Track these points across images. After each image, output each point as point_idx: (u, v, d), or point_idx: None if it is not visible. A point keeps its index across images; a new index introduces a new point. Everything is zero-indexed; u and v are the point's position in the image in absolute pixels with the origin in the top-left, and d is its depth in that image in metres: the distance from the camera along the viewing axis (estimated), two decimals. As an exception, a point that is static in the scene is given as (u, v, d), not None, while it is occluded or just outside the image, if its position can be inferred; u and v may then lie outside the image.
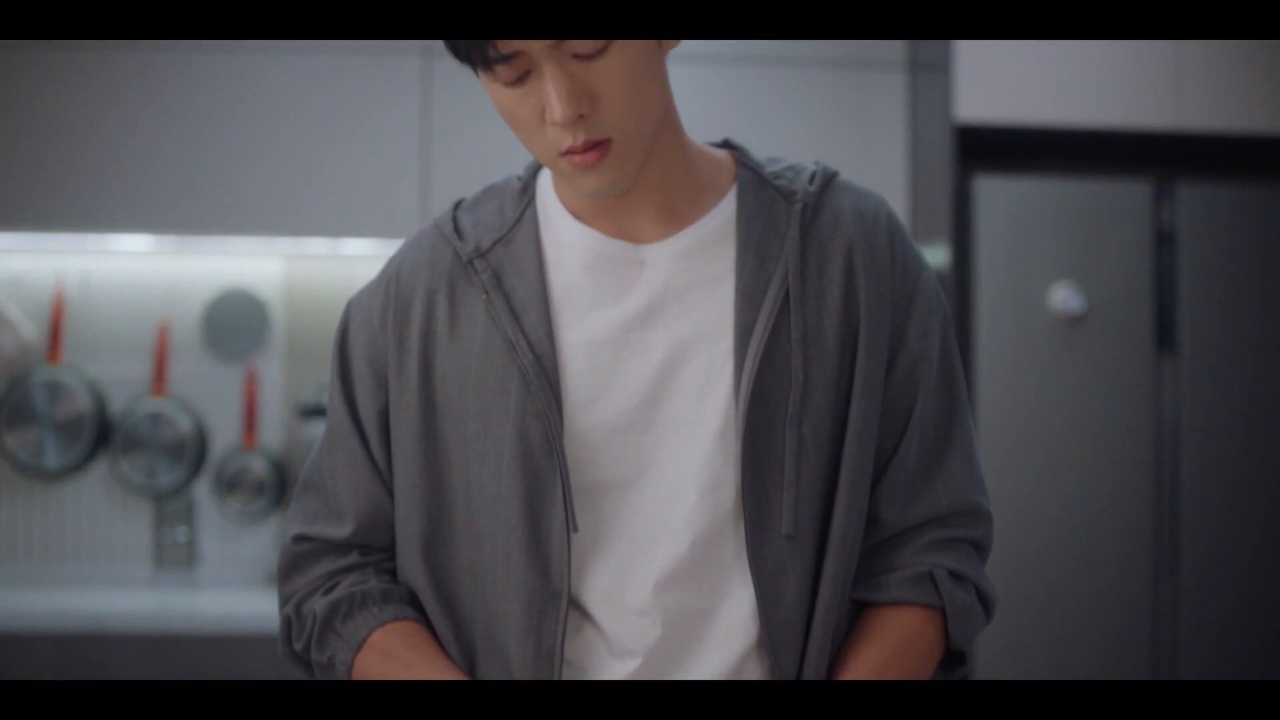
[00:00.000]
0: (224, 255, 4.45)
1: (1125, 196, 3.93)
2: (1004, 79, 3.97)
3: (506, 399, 1.51)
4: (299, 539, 1.66)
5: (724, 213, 1.57)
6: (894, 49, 4.27)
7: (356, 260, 4.45)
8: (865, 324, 1.54)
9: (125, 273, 4.43)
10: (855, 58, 4.27)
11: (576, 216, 1.58)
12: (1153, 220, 3.91)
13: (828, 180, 1.62)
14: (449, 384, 1.55)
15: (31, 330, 4.32)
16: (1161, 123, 4.00)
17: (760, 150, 1.67)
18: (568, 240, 1.57)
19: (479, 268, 1.56)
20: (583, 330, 1.54)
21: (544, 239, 1.58)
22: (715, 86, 4.18)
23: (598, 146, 1.43)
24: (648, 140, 1.49)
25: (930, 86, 4.11)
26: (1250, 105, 4.03)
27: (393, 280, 1.63)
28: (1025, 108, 3.98)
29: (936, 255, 3.98)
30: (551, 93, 1.39)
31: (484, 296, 1.55)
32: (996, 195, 3.90)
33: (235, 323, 4.42)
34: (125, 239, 4.29)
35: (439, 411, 1.56)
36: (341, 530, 1.63)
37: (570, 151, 1.43)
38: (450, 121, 4.13)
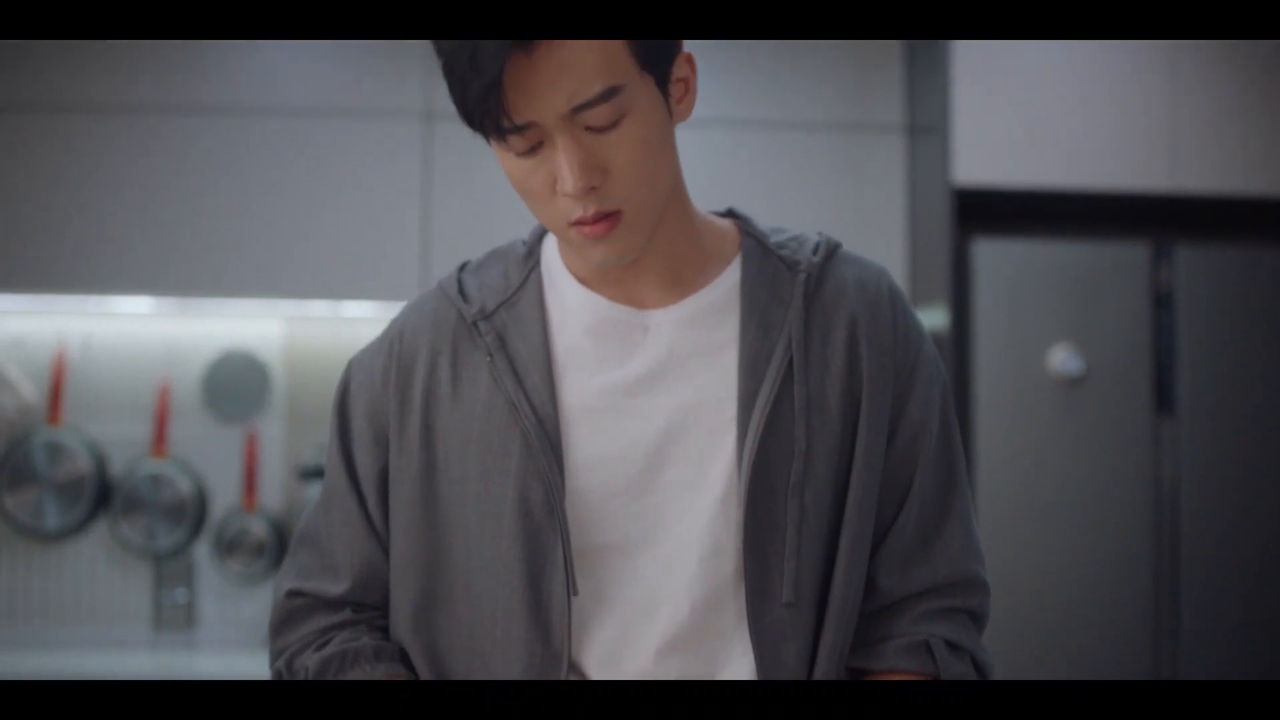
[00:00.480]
0: (224, 317, 4.46)
1: (1123, 259, 3.94)
2: (1002, 142, 3.99)
3: (508, 460, 1.52)
4: (292, 594, 1.65)
5: (728, 281, 1.58)
6: (892, 112, 4.30)
7: (357, 322, 4.46)
8: (867, 394, 1.55)
9: (126, 334, 4.44)
10: (854, 121, 4.29)
11: (581, 281, 1.59)
12: (1151, 282, 3.93)
13: (831, 251, 1.63)
14: (450, 445, 1.55)
15: (32, 391, 4.33)
16: (1158, 185, 4.02)
17: (760, 212, 1.69)
18: (572, 305, 1.58)
19: (483, 329, 1.57)
20: (586, 394, 1.54)
21: (548, 303, 1.59)
22: (716, 150, 4.20)
23: (608, 218, 1.44)
24: (658, 211, 1.50)
25: (928, 149, 4.13)
26: (1246, 167, 4.05)
27: (396, 340, 1.63)
28: (1023, 171, 4.00)
29: (935, 317, 3.99)
30: (564, 164, 1.40)
31: (488, 358, 1.55)
32: (995, 257, 3.91)
33: (236, 384, 4.43)
34: (126, 301, 4.31)
35: (440, 472, 1.56)
36: (336, 587, 1.63)
37: (580, 222, 1.44)
38: (451, 185, 4.15)
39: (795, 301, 1.56)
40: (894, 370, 1.58)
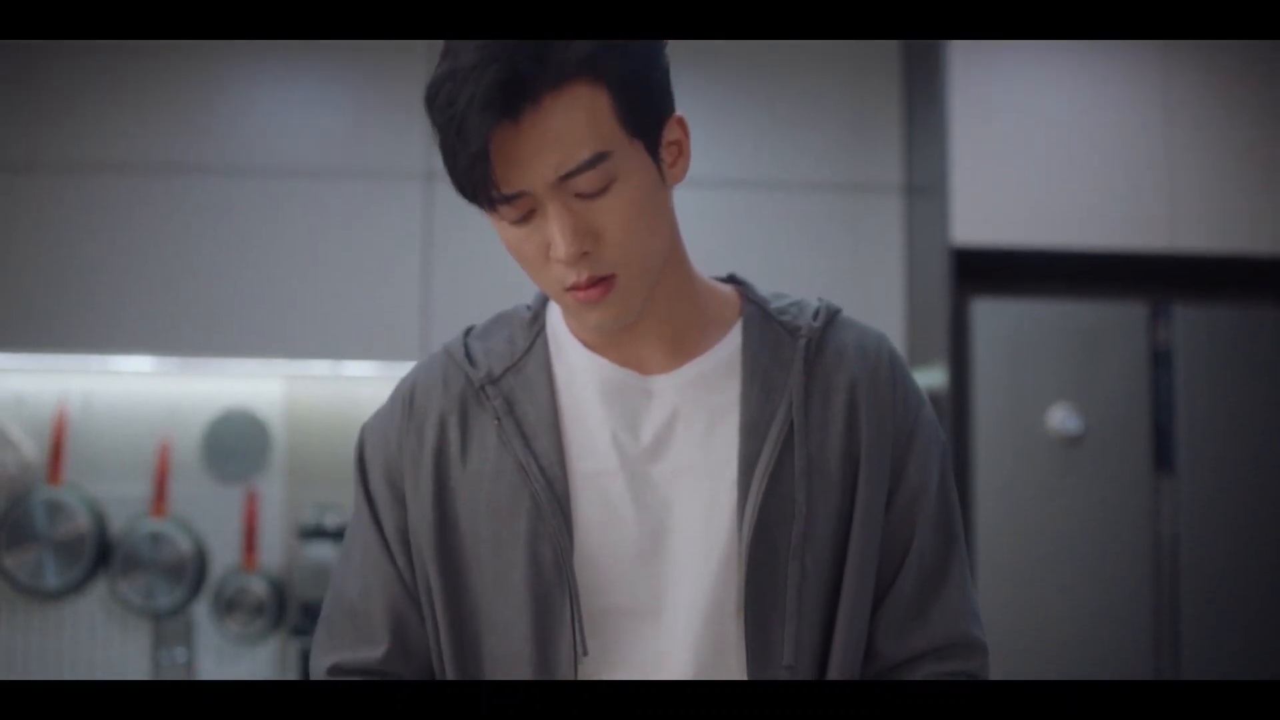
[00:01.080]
0: (225, 376, 4.47)
1: (1121, 318, 3.96)
2: (999, 202, 4.01)
3: (518, 523, 1.53)
4: (334, 670, 1.63)
5: (730, 345, 1.60)
6: (891, 172, 4.32)
7: (357, 382, 4.47)
8: (866, 456, 1.56)
9: (127, 393, 4.46)
10: (852, 181, 4.32)
11: (586, 345, 1.60)
12: (1149, 341, 3.94)
13: (831, 316, 1.64)
14: (461, 507, 1.56)
15: (33, 449, 4.33)
16: (1156, 244, 4.04)
17: (760, 271, 1.70)
18: (578, 369, 1.60)
19: (491, 394, 1.58)
20: (593, 459, 1.55)
21: (555, 367, 1.60)
22: (715, 209, 4.23)
23: (602, 282, 1.46)
24: (652, 275, 1.51)
25: (926, 209, 4.15)
26: (1243, 227, 4.07)
27: (406, 403, 1.64)
28: (1021, 230, 4.02)
29: (934, 377, 4.00)
30: (555, 231, 1.42)
31: (496, 422, 1.57)
32: (993, 317, 3.93)
33: (236, 443, 4.43)
34: (127, 360, 4.32)
35: (452, 534, 1.57)
36: (375, 651, 1.61)
37: (575, 287, 1.46)
38: (451, 245, 4.17)
39: (796, 366, 1.57)
40: (893, 434, 1.59)
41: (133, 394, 4.45)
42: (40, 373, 4.42)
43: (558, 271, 1.46)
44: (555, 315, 1.64)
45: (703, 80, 4.36)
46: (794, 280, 4.18)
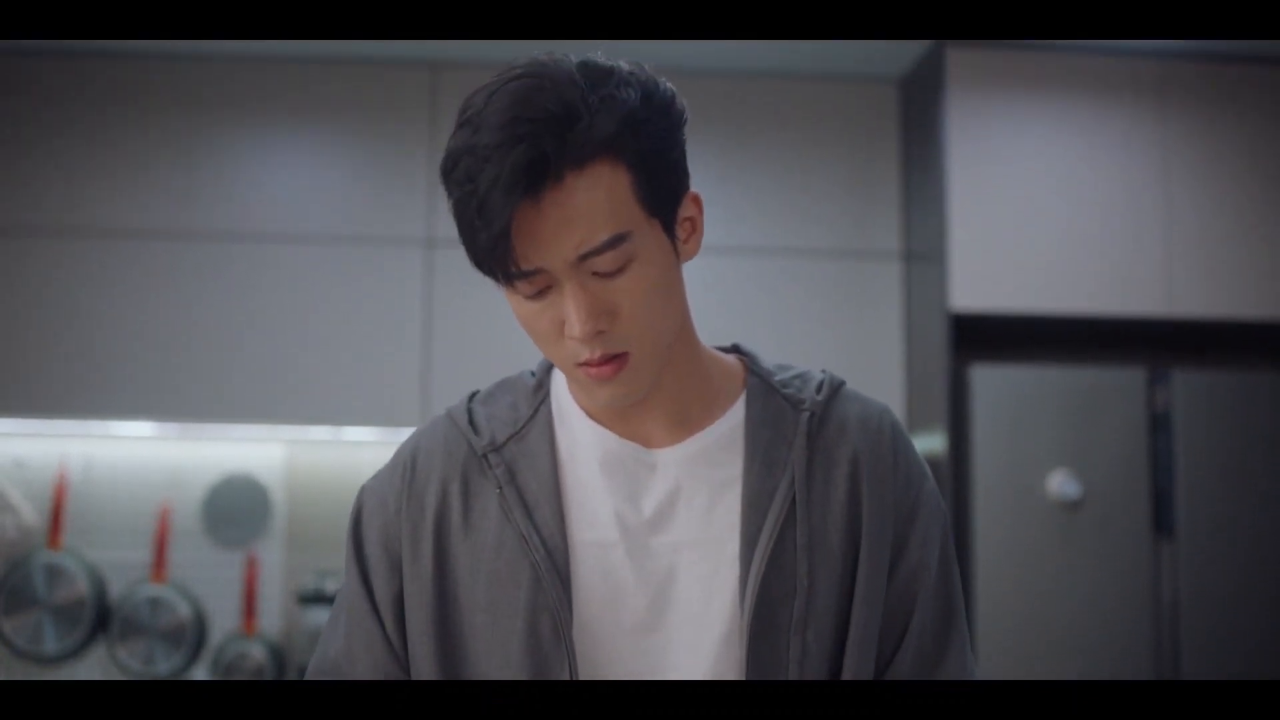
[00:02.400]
0: (225, 441, 4.48)
1: (1120, 383, 3.97)
2: (998, 268, 4.03)
3: (517, 592, 1.52)
4: None
5: (733, 419, 1.59)
6: (890, 239, 4.34)
7: (358, 447, 4.47)
8: (867, 531, 1.55)
9: (127, 458, 4.46)
10: (852, 248, 4.34)
11: (590, 416, 1.60)
12: (1147, 406, 3.95)
13: (835, 389, 1.64)
14: (461, 575, 1.56)
15: (33, 514, 4.33)
16: (1154, 310, 4.05)
17: (761, 336, 1.70)
18: (581, 439, 1.59)
19: (493, 462, 1.58)
20: (594, 530, 1.55)
21: (558, 437, 1.60)
22: (717, 275, 4.24)
23: (615, 360, 1.46)
24: (664, 353, 1.51)
25: (925, 276, 4.16)
26: (1240, 292, 4.09)
27: (407, 467, 1.64)
28: (1019, 296, 4.03)
29: (933, 442, 4.00)
30: (571, 310, 1.41)
31: (498, 491, 1.56)
32: (992, 383, 3.94)
33: (236, 508, 4.43)
34: (127, 425, 4.32)
35: (451, 602, 1.56)
36: None
37: (588, 364, 1.46)
38: (452, 311, 4.18)
39: (798, 440, 1.57)
40: (894, 507, 1.59)
41: (133, 459, 4.46)
42: (41, 437, 4.42)
43: (571, 348, 1.45)
44: (560, 384, 1.64)
45: (707, 150, 4.38)
46: (795, 345, 4.20)
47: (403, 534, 1.60)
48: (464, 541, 1.56)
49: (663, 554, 1.54)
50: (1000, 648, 3.77)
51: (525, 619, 1.51)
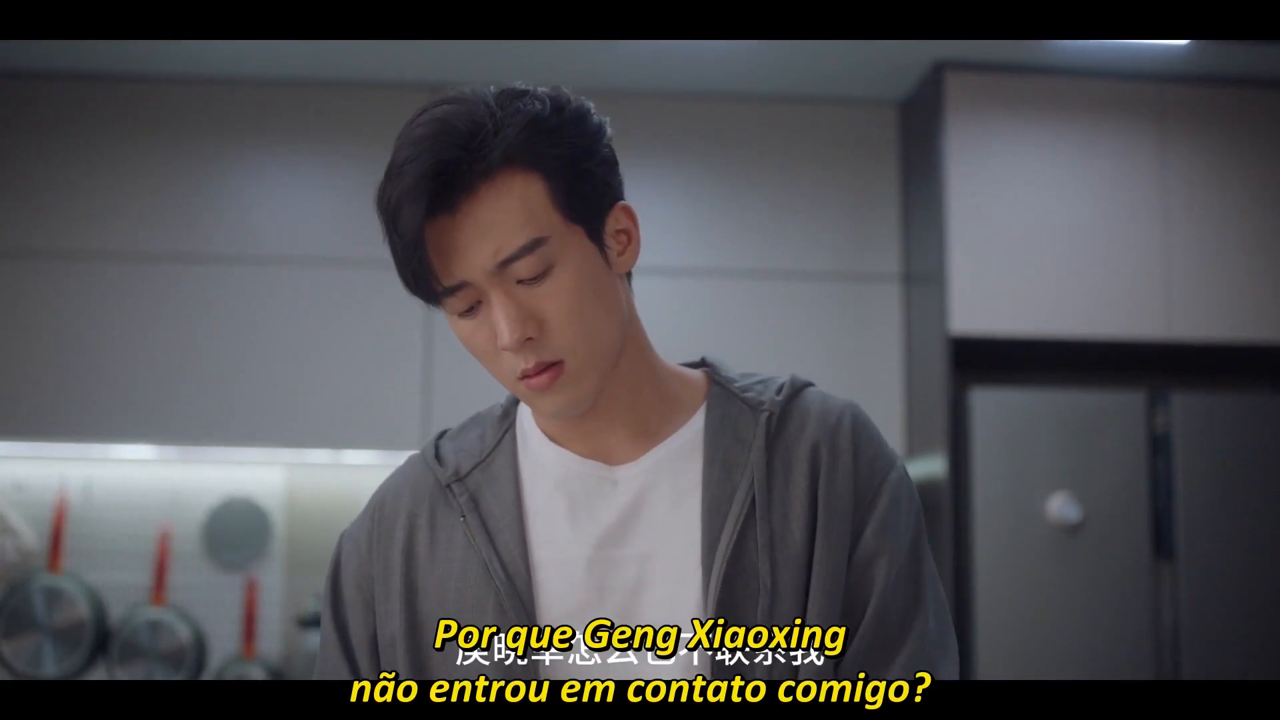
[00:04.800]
0: (226, 464, 4.48)
1: (1119, 405, 3.97)
2: (997, 291, 4.03)
3: (483, 619, 1.52)
4: None
5: (694, 427, 1.59)
6: (889, 262, 4.35)
7: (358, 470, 4.47)
8: (823, 524, 1.53)
9: (127, 481, 4.46)
10: (852, 271, 4.34)
11: (551, 439, 1.60)
12: (1147, 428, 3.95)
13: (797, 390, 1.63)
14: (430, 606, 1.56)
15: (33, 537, 4.33)
16: (1153, 333, 4.06)
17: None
18: (543, 462, 1.60)
19: (456, 491, 1.59)
20: (556, 549, 1.55)
21: (521, 462, 1.61)
22: (717, 298, 4.25)
23: (551, 368, 1.47)
24: (603, 361, 1.51)
25: (925, 299, 4.17)
26: (1239, 314, 4.10)
27: (378, 509, 1.65)
28: (1018, 319, 4.04)
29: (933, 466, 4.01)
30: (499, 318, 1.44)
31: (461, 519, 1.57)
32: (991, 406, 3.94)
33: (236, 531, 4.43)
34: (127, 448, 4.33)
35: (422, 634, 1.57)
36: None
37: (525, 375, 1.47)
38: (452, 335, 4.14)
39: (757, 441, 1.56)
40: (854, 495, 1.56)
41: (133, 482, 4.46)
42: (41, 460, 4.43)
43: (507, 361, 1.47)
44: (525, 411, 1.65)
45: (707, 173, 4.40)
46: (794, 368, 4.14)
47: (375, 573, 1.61)
48: (431, 574, 1.57)
49: (626, 566, 1.53)
50: (1001, 670, 3.76)
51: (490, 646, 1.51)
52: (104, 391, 4.15)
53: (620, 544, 1.54)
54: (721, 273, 4.27)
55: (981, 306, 4.01)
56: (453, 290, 1.44)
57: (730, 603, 1.49)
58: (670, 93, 4.37)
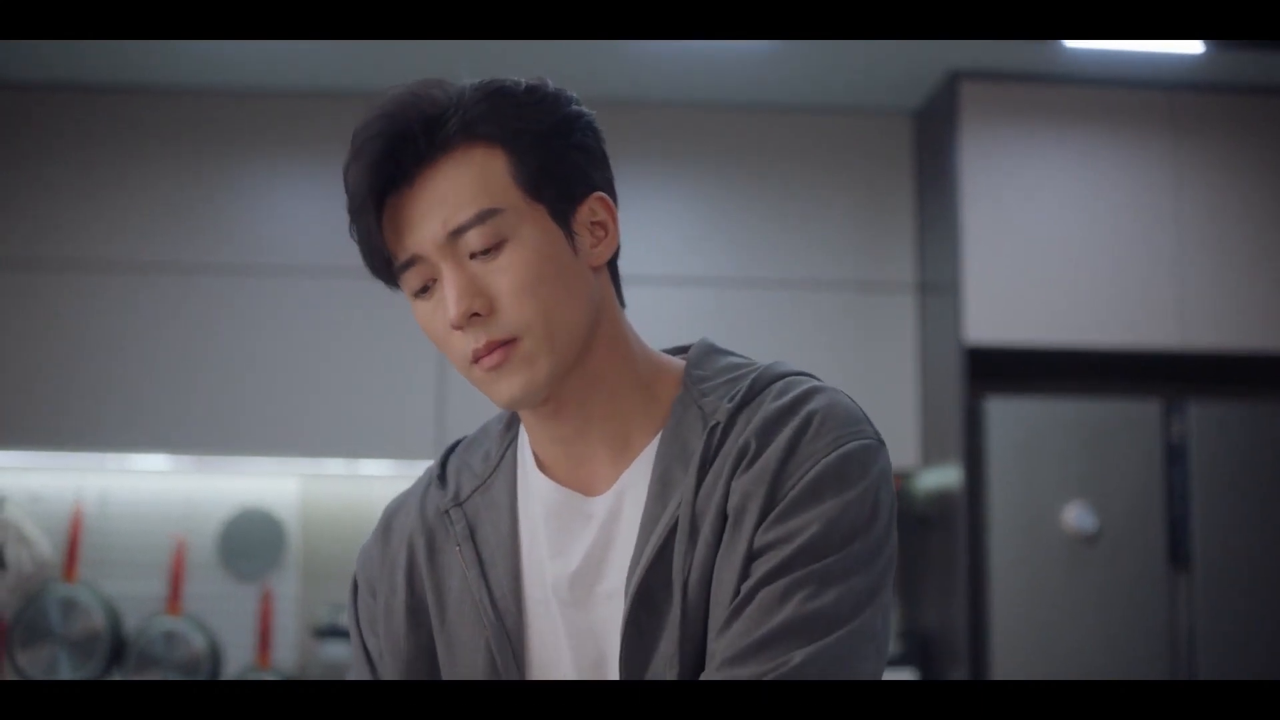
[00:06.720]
0: (241, 475, 4.48)
1: (1134, 415, 3.96)
2: (1012, 301, 4.03)
3: (476, 656, 1.49)
4: None
5: (655, 445, 1.48)
6: (904, 271, 4.35)
7: (373, 481, 4.47)
8: (731, 523, 1.39)
9: (143, 491, 4.46)
10: (866, 280, 4.34)
11: (539, 464, 1.53)
12: (1163, 437, 3.94)
13: (758, 391, 1.47)
14: (431, 633, 1.53)
15: (48, 547, 4.33)
16: (1168, 342, 4.05)
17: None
18: (534, 490, 1.52)
19: (454, 518, 1.54)
20: (541, 587, 1.49)
21: (519, 486, 1.54)
22: (733, 307, 4.25)
23: (502, 347, 1.39)
24: (562, 345, 1.42)
25: (939, 308, 4.16)
26: (1254, 323, 4.09)
27: (386, 528, 1.62)
28: (1033, 329, 4.03)
29: (948, 475, 4.00)
30: (448, 291, 1.38)
31: (457, 549, 1.52)
32: (1007, 415, 3.93)
33: (251, 542, 4.43)
34: (143, 458, 4.34)
35: (424, 660, 1.54)
36: None
37: (477, 356, 1.40)
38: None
39: (695, 459, 1.43)
40: (773, 479, 1.39)
41: (148, 492, 4.47)
42: (56, 470, 4.43)
43: (459, 342, 1.41)
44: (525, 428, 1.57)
45: (721, 183, 4.40)
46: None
47: (384, 590, 1.57)
48: (432, 599, 1.53)
49: (598, 605, 1.46)
50: (1016, 680, 3.76)
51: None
52: (120, 402, 4.16)
53: (596, 581, 1.46)
54: (735, 282, 4.28)
55: (996, 316, 4.01)
56: (407, 265, 1.40)
57: (636, 634, 1.41)
58: (684, 102, 4.38)
